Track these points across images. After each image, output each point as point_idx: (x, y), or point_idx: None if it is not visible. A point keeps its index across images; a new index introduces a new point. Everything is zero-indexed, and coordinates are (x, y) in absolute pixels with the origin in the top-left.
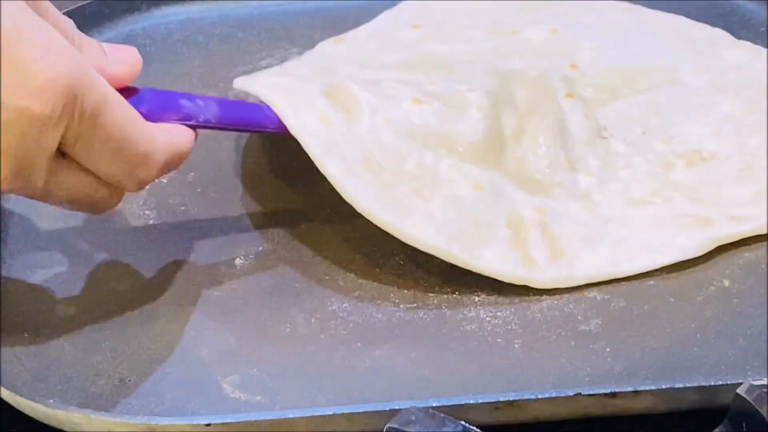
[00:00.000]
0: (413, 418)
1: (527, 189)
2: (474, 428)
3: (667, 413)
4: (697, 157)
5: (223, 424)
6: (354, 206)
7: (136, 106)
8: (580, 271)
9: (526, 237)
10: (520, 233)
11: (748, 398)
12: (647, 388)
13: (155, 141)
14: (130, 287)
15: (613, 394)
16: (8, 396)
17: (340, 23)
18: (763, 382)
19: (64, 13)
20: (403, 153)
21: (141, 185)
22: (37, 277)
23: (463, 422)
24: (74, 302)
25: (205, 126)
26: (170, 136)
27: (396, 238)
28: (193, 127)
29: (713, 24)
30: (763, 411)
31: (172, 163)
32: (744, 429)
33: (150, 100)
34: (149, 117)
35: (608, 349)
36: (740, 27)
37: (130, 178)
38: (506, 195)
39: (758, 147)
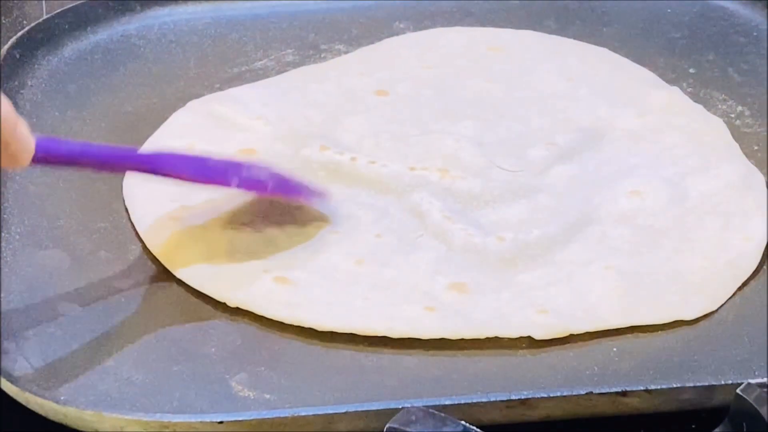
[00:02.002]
0: (413, 417)
1: None
2: (474, 428)
3: (669, 413)
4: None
5: (235, 422)
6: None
7: None
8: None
9: None
10: None
11: (747, 398)
12: (658, 386)
13: None
14: (133, 285)
15: (624, 393)
16: (17, 393)
17: (334, 24)
18: (763, 381)
19: (57, 14)
20: None
21: None
22: (39, 276)
23: (463, 422)
24: (77, 300)
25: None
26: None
27: None
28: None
29: (707, 29)
30: (763, 411)
31: None
32: (744, 429)
33: None
34: None
35: (615, 349)
36: (734, 32)
37: None
38: None
39: None
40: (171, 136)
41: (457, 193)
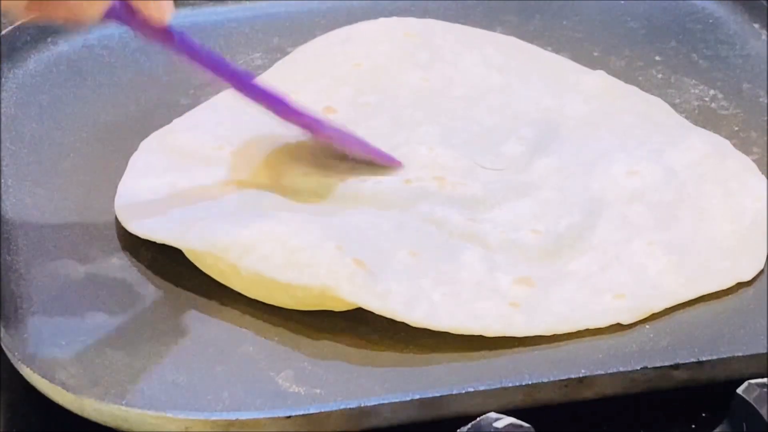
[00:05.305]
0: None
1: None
2: None
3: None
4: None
5: (304, 416)
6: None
7: None
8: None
9: None
10: None
11: (747, 398)
12: (709, 357)
13: None
14: (153, 290)
15: (677, 366)
16: (71, 401)
17: (295, 27)
18: (763, 381)
19: (17, 27)
20: None
21: None
22: (57, 286)
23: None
24: (101, 308)
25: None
26: None
27: None
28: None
29: (663, 19)
30: (763, 411)
31: None
32: (744, 429)
33: None
34: None
35: (647, 327)
36: (690, 20)
37: None
38: None
39: None
40: (146, 176)
41: (462, 200)
